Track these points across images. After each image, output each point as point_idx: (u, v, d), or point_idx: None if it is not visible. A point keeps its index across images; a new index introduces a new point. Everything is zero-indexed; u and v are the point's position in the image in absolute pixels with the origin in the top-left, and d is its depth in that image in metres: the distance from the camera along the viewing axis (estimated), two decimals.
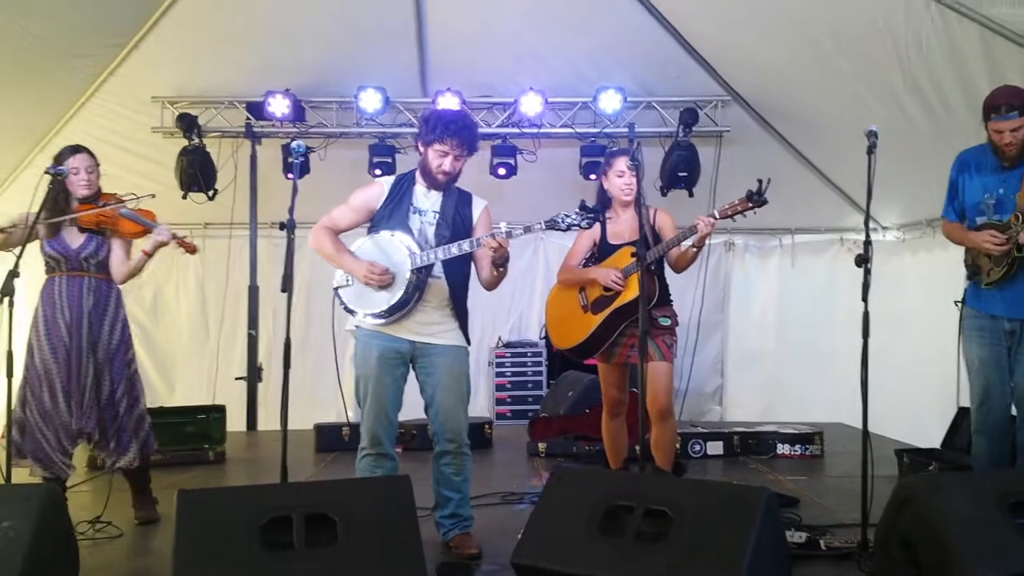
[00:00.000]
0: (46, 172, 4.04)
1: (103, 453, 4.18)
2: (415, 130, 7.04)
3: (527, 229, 3.56)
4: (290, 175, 6.79)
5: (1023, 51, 4.74)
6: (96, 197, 4.23)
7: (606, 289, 4.24)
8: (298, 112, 7.14)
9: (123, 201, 4.22)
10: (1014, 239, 3.67)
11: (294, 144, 3.70)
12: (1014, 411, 3.88)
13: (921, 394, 6.25)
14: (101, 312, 4.17)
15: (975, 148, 3.96)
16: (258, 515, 2.79)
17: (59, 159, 4.16)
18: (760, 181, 3.75)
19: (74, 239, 4.18)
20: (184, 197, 7.07)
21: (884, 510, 3.12)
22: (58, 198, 4.14)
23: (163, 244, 4.16)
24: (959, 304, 3.99)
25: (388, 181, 3.84)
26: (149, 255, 4.18)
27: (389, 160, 7.08)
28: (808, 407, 7.48)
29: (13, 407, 4.03)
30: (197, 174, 7.01)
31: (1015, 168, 3.78)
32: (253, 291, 7.58)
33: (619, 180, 4.34)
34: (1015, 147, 3.73)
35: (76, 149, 4.23)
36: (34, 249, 4.12)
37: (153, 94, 7.09)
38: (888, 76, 5.60)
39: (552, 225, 3.56)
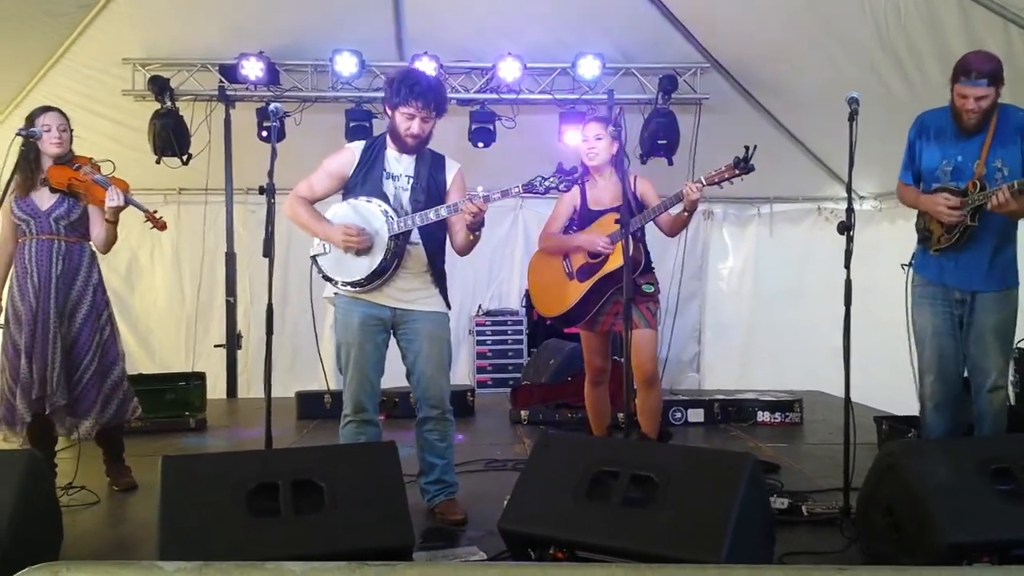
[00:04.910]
0: (17, 134, 3.97)
1: (60, 423, 4.02)
2: None
3: (504, 193, 3.53)
4: (264, 133, 6.69)
5: (1001, 19, 4.74)
6: (70, 159, 4.11)
7: (592, 256, 4.21)
8: (272, 75, 6.99)
9: (99, 167, 4.11)
10: (969, 208, 3.56)
11: (271, 107, 3.64)
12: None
13: (897, 362, 6.30)
14: (71, 278, 4.05)
15: (935, 111, 3.82)
16: (244, 481, 2.76)
17: (31, 119, 4.06)
18: (747, 148, 3.71)
19: (44, 200, 4.05)
20: (158, 162, 6.94)
21: (867, 476, 3.15)
22: (29, 156, 4.04)
23: (116, 208, 3.95)
24: (906, 267, 3.88)
25: (358, 146, 3.77)
26: (111, 222, 4.03)
27: (366, 124, 6.91)
28: (784, 375, 7.55)
29: None
30: (171, 138, 6.85)
31: (974, 136, 3.65)
32: (230, 258, 7.44)
33: (584, 145, 4.31)
34: (976, 115, 3.58)
35: (47, 108, 4.13)
36: None
37: (123, 56, 6.91)
38: (866, 45, 5.59)
39: (530, 188, 3.54)
